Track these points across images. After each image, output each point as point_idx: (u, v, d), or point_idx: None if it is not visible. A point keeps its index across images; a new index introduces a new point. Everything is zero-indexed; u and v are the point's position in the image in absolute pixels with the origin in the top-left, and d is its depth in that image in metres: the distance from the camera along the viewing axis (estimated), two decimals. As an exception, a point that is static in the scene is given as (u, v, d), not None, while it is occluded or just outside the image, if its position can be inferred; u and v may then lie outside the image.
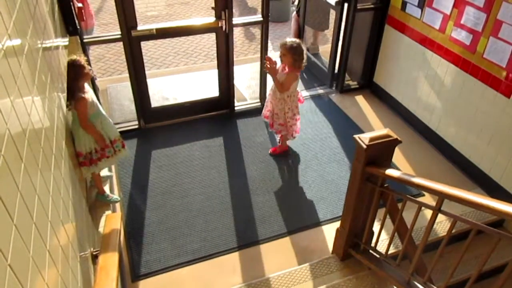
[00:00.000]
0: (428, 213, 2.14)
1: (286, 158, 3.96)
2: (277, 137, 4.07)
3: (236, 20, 4.05)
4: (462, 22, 3.47)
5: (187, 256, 3.05)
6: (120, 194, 3.53)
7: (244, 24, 4.47)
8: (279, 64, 3.61)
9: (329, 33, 5.68)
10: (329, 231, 3.24)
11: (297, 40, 3.45)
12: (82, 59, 2.74)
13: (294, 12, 5.61)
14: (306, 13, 5.29)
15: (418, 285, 2.36)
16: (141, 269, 2.96)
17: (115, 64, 5.99)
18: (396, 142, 2.40)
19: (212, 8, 3.93)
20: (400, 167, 3.85)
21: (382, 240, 2.77)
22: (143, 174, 3.75)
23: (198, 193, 3.54)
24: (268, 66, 3.44)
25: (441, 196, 1.99)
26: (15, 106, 1.22)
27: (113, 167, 3.68)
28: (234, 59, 4.29)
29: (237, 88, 4.78)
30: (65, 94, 2.48)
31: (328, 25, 5.40)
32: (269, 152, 4.02)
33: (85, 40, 3.55)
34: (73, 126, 2.79)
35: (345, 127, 4.39)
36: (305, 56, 3.48)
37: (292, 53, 3.40)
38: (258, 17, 4.13)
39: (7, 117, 1.13)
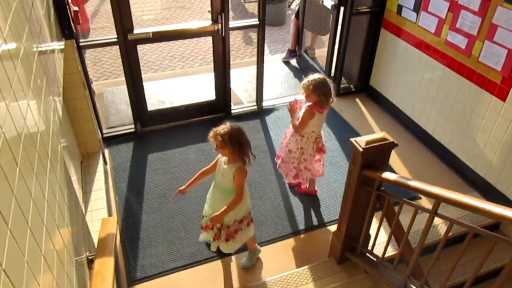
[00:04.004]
0: (425, 216, 2.15)
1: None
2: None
3: (232, 23, 4.06)
4: (457, 26, 3.49)
5: (183, 260, 3.03)
6: (116, 198, 3.51)
7: (241, 28, 4.48)
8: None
9: (326, 36, 5.69)
10: (326, 235, 3.24)
11: (319, 76, 3.03)
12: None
13: (293, 16, 5.62)
14: (305, 17, 5.31)
15: (415, 288, 2.36)
16: (137, 273, 2.94)
17: (111, 67, 5.98)
18: (392, 145, 2.40)
19: (209, 11, 3.94)
20: (397, 170, 3.85)
21: (379, 243, 2.77)
22: (139, 178, 3.74)
23: (194, 197, 3.53)
24: (289, 106, 3.17)
25: (438, 199, 2.00)
26: (10, 110, 1.21)
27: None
28: (231, 62, 4.30)
29: (233, 91, 4.79)
30: (60, 98, 2.47)
31: (328, 29, 5.42)
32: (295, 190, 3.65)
33: (81, 44, 3.54)
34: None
35: (341, 131, 4.40)
36: (333, 92, 3.05)
37: (316, 93, 2.99)
38: (255, 21, 4.14)
39: (2, 121, 1.12)
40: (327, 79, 3.05)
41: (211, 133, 2.53)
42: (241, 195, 2.59)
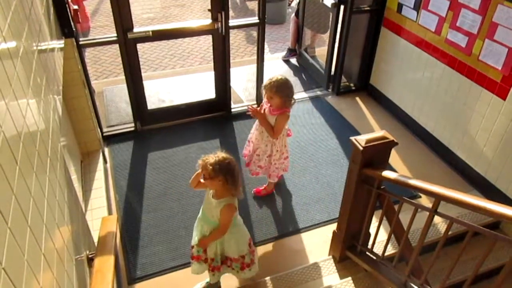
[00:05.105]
0: (425, 215, 2.15)
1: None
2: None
3: (232, 22, 4.05)
4: (457, 24, 3.48)
5: (183, 258, 3.03)
6: (116, 197, 3.52)
7: (241, 26, 4.47)
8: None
9: (326, 35, 5.69)
10: (326, 233, 3.23)
11: (281, 77, 2.99)
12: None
13: (293, 14, 5.62)
14: (305, 16, 5.30)
15: (415, 287, 2.36)
16: (137, 272, 2.95)
17: (111, 66, 5.97)
18: (392, 144, 2.40)
19: (209, 10, 3.93)
20: (397, 169, 3.85)
21: (379, 242, 2.77)
22: (139, 176, 3.74)
23: (194, 196, 3.53)
24: (252, 113, 3.06)
25: (437, 198, 1.99)
26: (10, 108, 1.21)
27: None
28: (231, 61, 4.29)
29: (233, 90, 4.78)
30: (60, 97, 2.47)
31: (328, 28, 5.41)
32: (253, 192, 3.57)
33: (81, 43, 3.54)
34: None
35: (342, 129, 4.39)
36: (294, 92, 3.04)
37: (280, 94, 2.94)
38: (255, 19, 4.14)
39: (1, 120, 1.12)
40: (288, 79, 3.01)
41: (200, 161, 2.35)
42: (224, 230, 2.42)
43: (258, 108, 3.13)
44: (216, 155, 2.32)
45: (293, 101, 3.05)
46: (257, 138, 3.24)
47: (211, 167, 2.26)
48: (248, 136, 3.41)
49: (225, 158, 2.30)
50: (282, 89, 2.94)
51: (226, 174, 2.27)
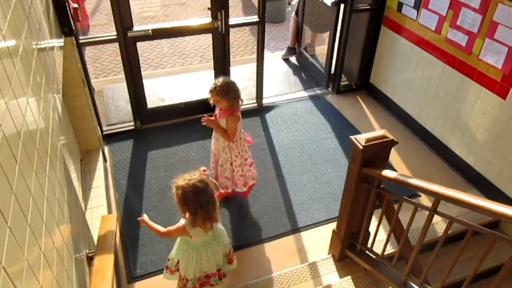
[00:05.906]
0: (425, 214, 2.15)
1: (282, 159, 3.96)
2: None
3: (232, 20, 4.05)
4: (458, 23, 3.48)
5: (183, 257, 3.03)
6: (116, 195, 3.51)
7: (241, 25, 4.47)
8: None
9: (325, 34, 5.68)
10: (325, 232, 3.24)
11: (225, 79, 2.91)
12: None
13: (293, 13, 5.61)
14: (305, 14, 5.30)
15: (414, 285, 2.37)
16: (137, 271, 2.95)
17: (111, 65, 5.97)
18: (392, 143, 2.40)
19: (208, 8, 3.93)
20: (397, 168, 3.85)
21: (379, 241, 2.77)
22: (139, 175, 3.74)
23: (194, 194, 3.53)
24: (205, 121, 2.99)
25: (437, 197, 2.00)
26: (9, 107, 1.21)
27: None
28: (231, 59, 4.29)
29: (233, 89, 4.77)
30: (60, 95, 2.47)
31: (328, 27, 5.40)
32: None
33: (80, 41, 3.53)
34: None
35: (341, 128, 4.39)
36: (240, 94, 2.95)
37: (226, 97, 2.87)
38: (255, 18, 4.13)
39: (1, 118, 1.12)
40: (234, 82, 2.95)
41: (174, 181, 2.26)
42: (163, 235, 2.41)
43: (212, 117, 3.05)
44: (192, 177, 2.21)
45: (241, 102, 2.98)
46: (216, 147, 3.18)
47: (175, 190, 2.21)
48: (211, 146, 3.29)
49: (188, 186, 2.17)
50: (227, 91, 2.86)
51: (184, 204, 2.19)
